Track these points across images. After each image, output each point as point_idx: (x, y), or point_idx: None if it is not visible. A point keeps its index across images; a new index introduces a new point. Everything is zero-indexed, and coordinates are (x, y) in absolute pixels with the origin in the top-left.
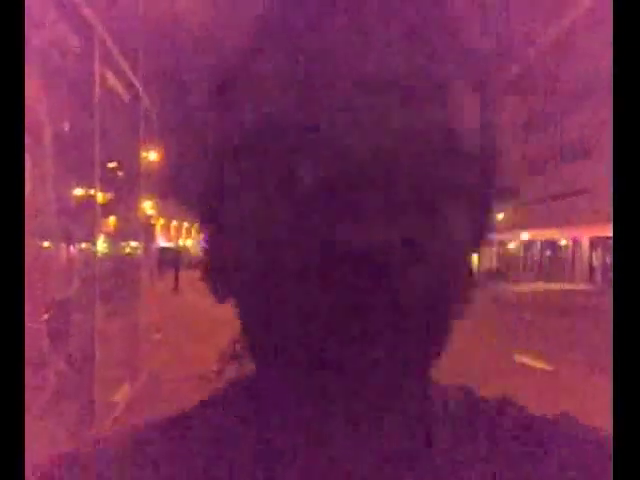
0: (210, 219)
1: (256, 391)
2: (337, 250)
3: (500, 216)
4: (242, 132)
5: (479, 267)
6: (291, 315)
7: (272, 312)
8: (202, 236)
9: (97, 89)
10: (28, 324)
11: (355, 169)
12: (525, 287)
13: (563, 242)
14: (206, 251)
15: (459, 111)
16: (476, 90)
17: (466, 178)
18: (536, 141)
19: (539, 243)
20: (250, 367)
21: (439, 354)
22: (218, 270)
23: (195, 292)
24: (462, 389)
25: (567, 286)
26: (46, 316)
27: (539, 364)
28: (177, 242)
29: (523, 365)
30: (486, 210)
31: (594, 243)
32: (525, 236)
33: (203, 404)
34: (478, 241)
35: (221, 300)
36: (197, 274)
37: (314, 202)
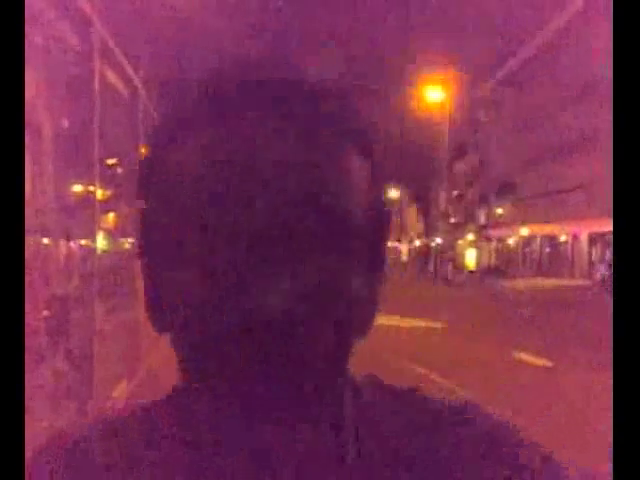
0: (146, 254)
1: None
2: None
3: (499, 211)
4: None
5: (478, 263)
6: (218, 347)
7: (200, 346)
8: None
9: (96, 85)
10: (27, 321)
11: (260, 243)
12: (524, 283)
13: (563, 238)
14: (145, 286)
15: (349, 179)
16: (366, 158)
17: (359, 237)
18: (535, 136)
19: (539, 239)
20: None
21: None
22: (155, 306)
23: None
24: (369, 377)
25: (566, 282)
26: (46, 312)
27: (539, 360)
28: None
29: (522, 362)
30: (377, 266)
31: (593, 238)
32: (525, 232)
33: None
34: (371, 289)
35: (159, 332)
36: None
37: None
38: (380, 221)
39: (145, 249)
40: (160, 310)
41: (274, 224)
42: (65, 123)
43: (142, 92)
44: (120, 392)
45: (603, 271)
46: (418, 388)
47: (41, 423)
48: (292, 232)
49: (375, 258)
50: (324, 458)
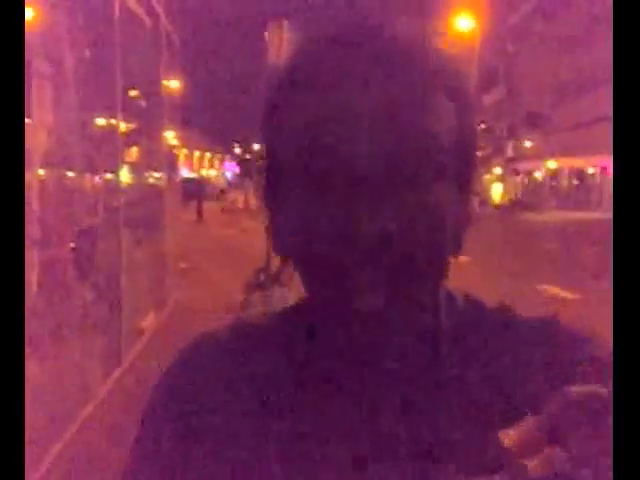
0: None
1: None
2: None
3: (527, 144)
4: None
5: (504, 197)
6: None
7: (317, 270)
8: (229, 166)
9: (117, 13)
10: (55, 254)
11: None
12: (550, 216)
13: (590, 170)
14: (267, 213)
15: (439, 118)
16: (452, 99)
17: (449, 167)
18: (565, 68)
19: (566, 172)
20: (276, 294)
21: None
22: (279, 235)
23: (217, 223)
24: (467, 296)
25: (594, 215)
26: (72, 245)
27: (563, 293)
28: (200, 173)
29: (546, 294)
30: (467, 191)
31: None
32: (552, 164)
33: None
34: (462, 210)
35: (282, 255)
36: (219, 205)
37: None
38: (468, 152)
39: (271, 189)
40: (283, 238)
41: (378, 159)
42: (86, 53)
43: (164, 20)
44: (148, 323)
45: None
46: (508, 307)
47: (71, 354)
48: (394, 164)
49: (464, 183)
50: (418, 362)
